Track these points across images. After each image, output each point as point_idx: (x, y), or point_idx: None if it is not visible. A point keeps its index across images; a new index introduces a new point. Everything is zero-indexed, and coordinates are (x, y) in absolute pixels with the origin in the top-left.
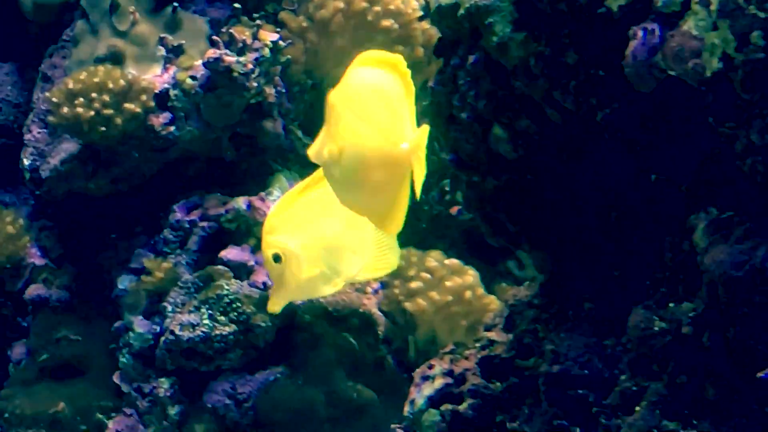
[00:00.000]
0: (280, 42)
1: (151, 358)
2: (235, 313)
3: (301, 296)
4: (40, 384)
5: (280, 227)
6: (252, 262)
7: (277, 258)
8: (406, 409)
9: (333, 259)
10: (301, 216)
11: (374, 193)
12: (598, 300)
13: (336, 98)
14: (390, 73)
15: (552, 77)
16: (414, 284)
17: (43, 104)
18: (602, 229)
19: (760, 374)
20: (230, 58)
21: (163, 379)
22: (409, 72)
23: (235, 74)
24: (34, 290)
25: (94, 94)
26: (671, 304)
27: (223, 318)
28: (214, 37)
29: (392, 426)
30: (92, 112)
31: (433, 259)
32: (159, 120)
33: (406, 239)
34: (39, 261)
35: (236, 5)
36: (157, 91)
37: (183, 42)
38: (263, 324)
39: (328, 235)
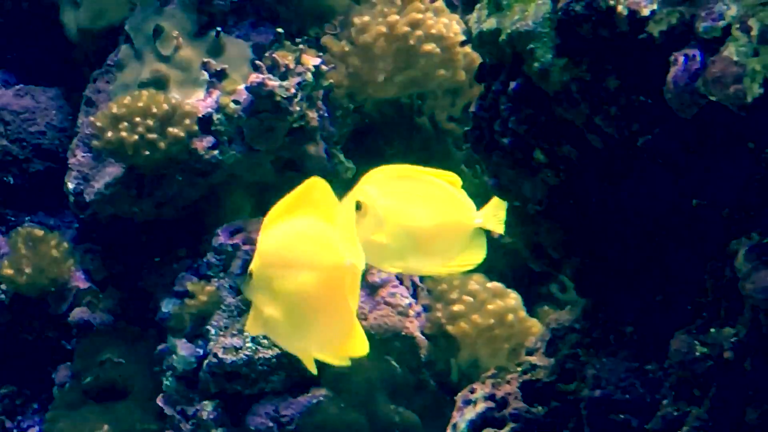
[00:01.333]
0: (323, 66)
1: (195, 380)
2: None
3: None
4: (84, 407)
5: (380, 185)
6: None
7: (359, 206)
8: None
9: (407, 244)
10: (402, 192)
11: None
12: (640, 324)
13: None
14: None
15: (593, 103)
16: (456, 307)
17: (87, 128)
18: (644, 254)
19: None
20: (273, 83)
21: (206, 402)
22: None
23: (278, 98)
24: (78, 313)
25: (138, 119)
26: (713, 329)
27: (266, 341)
28: (257, 62)
29: None
30: (136, 137)
31: (476, 282)
32: (202, 144)
33: None
34: (83, 284)
35: (279, 30)
36: (200, 116)
37: (226, 66)
38: None
39: (414, 223)
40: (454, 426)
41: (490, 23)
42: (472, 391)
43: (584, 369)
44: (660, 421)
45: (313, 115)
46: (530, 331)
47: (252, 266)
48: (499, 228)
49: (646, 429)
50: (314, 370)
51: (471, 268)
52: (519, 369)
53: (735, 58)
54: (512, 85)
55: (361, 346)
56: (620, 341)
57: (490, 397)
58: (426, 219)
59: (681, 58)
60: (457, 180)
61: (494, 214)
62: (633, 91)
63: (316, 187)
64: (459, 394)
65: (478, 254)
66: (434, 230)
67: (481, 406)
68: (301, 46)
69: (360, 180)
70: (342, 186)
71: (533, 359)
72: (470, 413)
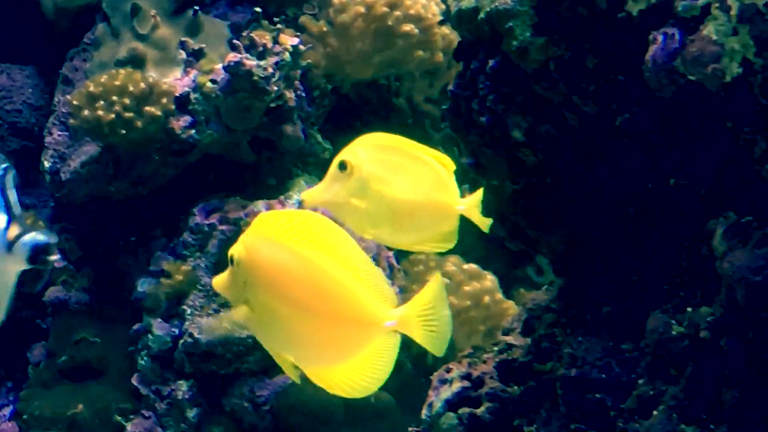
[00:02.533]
0: (301, 46)
1: (170, 360)
2: None
3: (334, 210)
4: (59, 386)
5: (371, 151)
6: None
7: (343, 166)
8: (424, 412)
9: (384, 214)
10: (391, 162)
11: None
12: (616, 304)
13: None
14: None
15: (572, 81)
16: None
17: (63, 107)
18: (621, 234)
19: None
20: (251, 62)
21: (181, 382)
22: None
23: (256, 78)
24: (53, 292)
25: (114, 97)
26: (689, 309)
27: None
28: (235, 41)
29: (410, 429)
30: (113, 115)
31: (452, 263)
32: (179, 123)
33: None
34: (58, 263)
35: (257, 9)
36: (177, 95)
37: (203, 46)
38: None
39: (395, 195)
40: (430, 405)
41: (469, 1)
42: (448, 371)
43: (560, 348)
44: (636, 400)
45: (290, 95)
46: (506, 313)
47: (235, 253)
48: (480, 222)
49: (622, 408)
50: (296, 379)
51: (441, 251)
52: (495, 349)
53: (714, 37)
54: (491, 63)
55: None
56: (596, 321)
57: (466, 377)
58: (408, 194)
59: (660, 37)
60: (451, 164)
61: (477, 205)
62: (611, 69)
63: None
64: (435, 373)
65: (449, 240)
66: (414, 207)
67: (457, 386)
68: (279, 25)
69: (354, 141)
70: (319, 167)
71: (509, 339)
72: (446, 392)
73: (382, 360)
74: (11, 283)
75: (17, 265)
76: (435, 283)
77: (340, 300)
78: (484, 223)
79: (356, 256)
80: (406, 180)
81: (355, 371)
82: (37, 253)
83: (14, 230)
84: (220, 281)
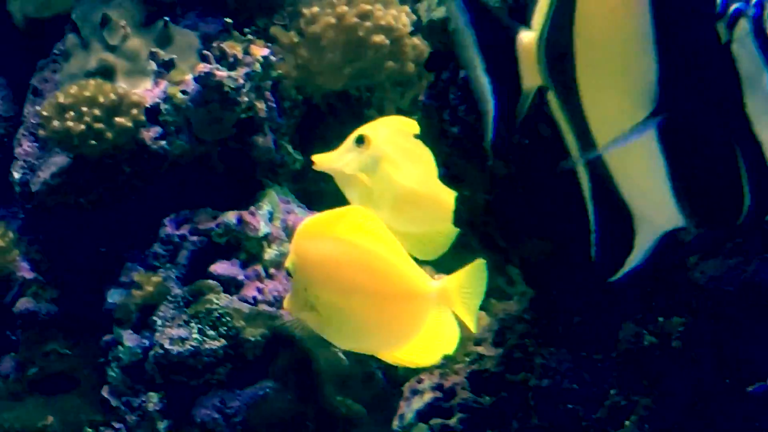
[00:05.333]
0: (271, 57)
1: (141, 372)
2: (225, 328)
3: (339, 180)
4: (29, 398)
5: (392, 133)
6: (241, 277)
7: (361, 140)
8: (396, 423)
9: (387, 197)
10: (409, 149)
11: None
12: (588, 314)
13: None
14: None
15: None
16: None
17: (33, 118)
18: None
19: (749, 388)
20: (221, 73)
21: (152, 393)
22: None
23: (226, 89)
24: (23, 304)
25: (84, 108)
26: (661, 319)
27: (212, 332)
28: (205, 52)
29: None
30: (83, 126)
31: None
32: (149, 134)
33: None
34: (28, 275)
35: (227, 20)
36: (147, 105)
37: (174, 56)
38: (252, 338)
39: (403, 181)
40: (402, 416)
41: (440, 12)
42: (420, 381)
43: (532, 359)
44: (607, 410)
45: (261, 105)
46: (479, 322)
47: (289, 263)
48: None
49: (594, 418)
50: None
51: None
52: (467, 359)
53: None
54: (462, 74)
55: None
56: (568, 331)
57: (438, 387)
58: (414, 183)
59: None
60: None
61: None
62: None
63: (365, 215)
64: (406, 384)
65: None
66: (416, 197)
67: (428, 396)
68: (249, 36)
69: (379, 119)
70: (289, 178)
71: (481, 349)
72: (418, 403)
73: (445, 332)
74: None
75: None
76: (477, 263)
77: (389, 276)
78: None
79: (391, 239)
80: (417, 170)
81: (422, 346)
82: None
83: None
84: (288, 302)
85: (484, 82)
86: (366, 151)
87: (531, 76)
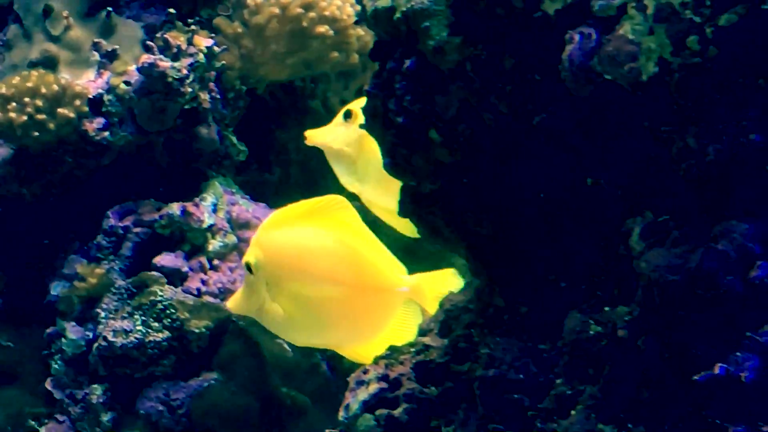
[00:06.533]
0: (215, 47)
1: (84, 364)
2: (169, 320)
3: (327, 154)
4: None
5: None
6: (186, 268)
7: (348, 114)
8: (341, 414)
9: (372, 170)
10: None
11: None
12: (534, 304)
13: None
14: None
15: (488, 81)
16: None
17: None
18: (538, 233)
19: (696, 377)
20: (165, 64)
21: (95, 386)
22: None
23: (170, 79)
24: None
25: (27, 99)
26: (607, 308)
27: (156, 324)
28: (149, 43)
29: (326, 431)
30: (25, 117)
31: None
32: (93, 125)
33: None
34: None
35: (171, 10)
36: (90, 96)
37: (117, 47)
38: (197, 330)
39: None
40: (347, 407)
41: (385, 1)
42: (365, 372)
43: (478, 349)
44: (553, 400)
45: (205, 96)
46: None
47: (251, 258)
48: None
49: (540, 408)
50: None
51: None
52: (412, 350)
53: (630, 37)
54: (407, 63)
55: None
56: (514, 321)
57: (383, 378)
58: None
59: (576, 37)
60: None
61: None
62: (528, 69)
63: (338, 205)
64: (352, 375)
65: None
66: None
67: (374, 387)
68: (193, 27)
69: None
70: (234, 169)
71: (426, 340)
72: (363, 394)
73: (407, 330)
74: None
75: None
76: (449, 270)
77: (360, 267)
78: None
79: (365, 231)
80: None
81: (384, 343)
82: None
83: None
84: (235, 302)
85: None
86: (353, 125)
87: None
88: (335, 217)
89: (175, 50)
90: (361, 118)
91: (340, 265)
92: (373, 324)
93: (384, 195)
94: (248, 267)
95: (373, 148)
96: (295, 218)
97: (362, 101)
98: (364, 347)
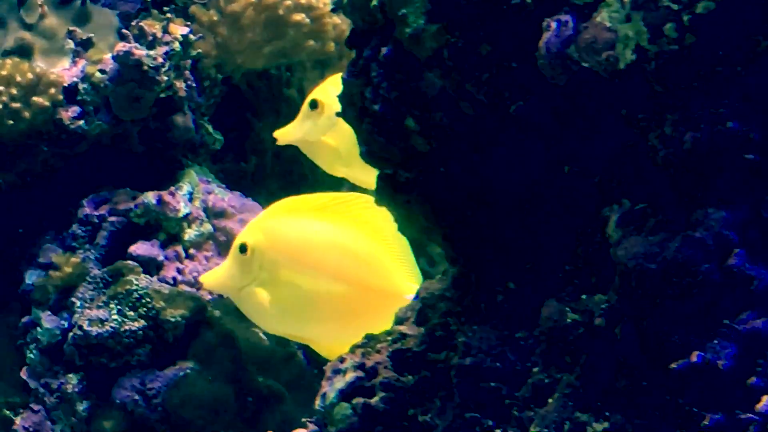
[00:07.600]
0: (191, 36)
1: (60, 353)
2: (145, 309)
3: (305, 149)
4: None
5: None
6: (161, 257)
7: (314, 104)
8: (318, 402)
9: (356, 151)
10: None
11: None
12: (511, 292)
13: None
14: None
15: (465, 69)
16: None
17: None
18: (515, 222)
19: (673, 365)
20: (140, 52)
21: (71, 375)
22: None
23: (145, 68)
24: None
25: (1, 88)
26: (583, 296)
27: (132, 313)
28: (124, 31)
29: (303, 420)
30: (0, 106)
31: None
32: (68, 114)
33: None
34: None
35: None
36: (65, 85)
37: (92, 35)
38: (173, 319)
39: None
40: (324, 396)
41: None
42: (342, 361)
43: (455, 337)
44: (530, 388)
45: (180, 85)
46: None
47: (249, 239)
48: None
49: (517, 396)
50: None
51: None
52: (389, 338)
53: (608, 24)
54: (384, 51)
55: None
56: (491, 309)
57: (360, 366)
58: None
59: (553, 24)
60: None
61: None
62: (505, 57)
63: (361, 204)
64: (328, 363)
65: None
66: None
67: (350, 376)
68: (168, 15)
69: (326, 79)
70: (209, 158)
71: (403, 328)
72: (340, 382)
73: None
74: None
75: None
76: None
77: (366, 267)
78: None
79: (386, 232)
80: None
81: None
82: None
83: None
84: (213, 278)
85: None
86: (322, 114)
87: None
88: (353, 214)
89: (150, 38)
90: (329, 104)
91: (344, 262)
92: (365, 325)
93: (372, 174)
94: (243, 247)
95: (350, 129)
96: (306, 209)
97: (322, 87)
98: (341, 346)
